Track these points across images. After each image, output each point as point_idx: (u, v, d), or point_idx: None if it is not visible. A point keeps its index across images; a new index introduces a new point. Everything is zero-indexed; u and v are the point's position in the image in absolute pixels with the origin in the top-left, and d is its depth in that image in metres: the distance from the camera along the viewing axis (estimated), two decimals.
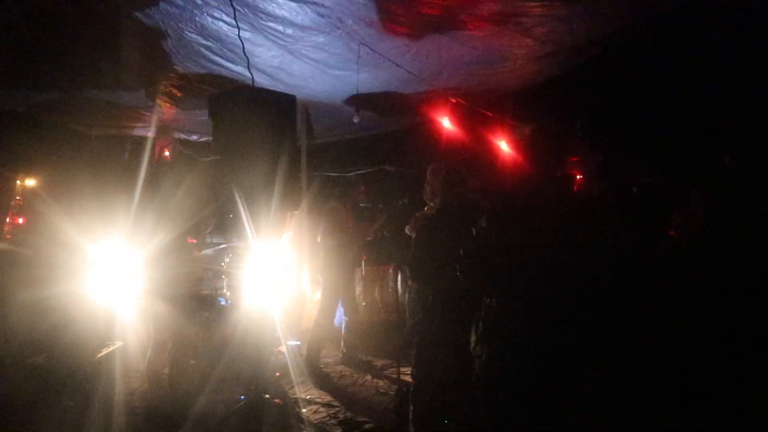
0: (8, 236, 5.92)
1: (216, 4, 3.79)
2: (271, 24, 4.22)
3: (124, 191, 5.67)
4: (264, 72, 5.19)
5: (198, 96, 5.68)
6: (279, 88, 5.50)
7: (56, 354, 5.05)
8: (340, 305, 6.81)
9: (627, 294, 2.93)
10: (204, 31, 4.31)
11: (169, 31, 4.30)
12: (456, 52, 4.93)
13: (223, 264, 5.68)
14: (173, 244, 4.78)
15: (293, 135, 3.70)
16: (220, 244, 5.59)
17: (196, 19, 4.09)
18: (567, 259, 2.79)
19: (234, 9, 3.64)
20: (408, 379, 4.55)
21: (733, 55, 4.55)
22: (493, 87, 5.81)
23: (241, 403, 4.96)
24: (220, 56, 4.80)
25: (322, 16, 4.11)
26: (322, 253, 6.63)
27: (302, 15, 4.08)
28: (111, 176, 6.50)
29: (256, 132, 3.44)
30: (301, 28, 4.29)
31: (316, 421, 5.04)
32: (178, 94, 5.92)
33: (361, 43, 4.51)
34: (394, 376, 5.97)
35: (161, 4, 3.84)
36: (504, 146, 5.24)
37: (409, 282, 4.14)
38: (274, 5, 3.92)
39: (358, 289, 8.18)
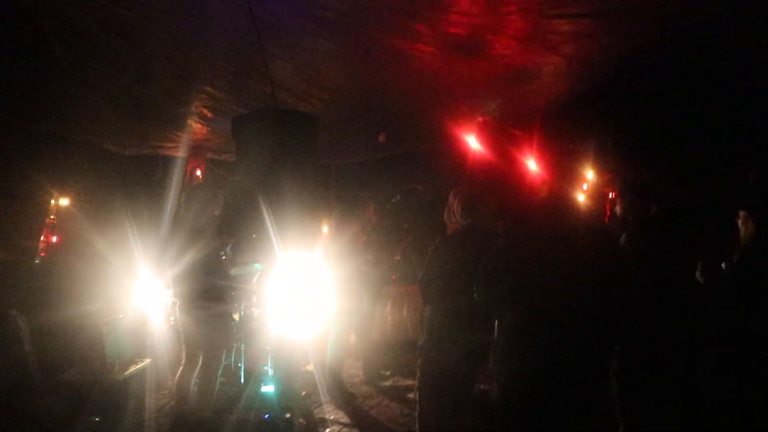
0: (42, 254, 6.06)
1: (244, 25, 3.83)
2: (297, 42, 4.27)
3: (156, 210, 5.77)
4: (291, 91, 5.25)
5: (228, 116, 5.75)
6: (308, 107, 5.58)
7: (86, 370, 5.11)
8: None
9: (646, 315, 2.85)
10: (233, 52, 4.37)
11: (199, 51, 4.37)
12: (483, 70, 4.91)
13: (252, 282, 5.71)
14: (204, 262, 4.82)
15: (316, 154, 3.71)
16: (251, 262, 5.62)
17: (226, 40, 4.15)
18: (584, 279, 2.72)
19: (258, 30, 3.67)
20: None
21: None
22: (522, 105, 5.76)
23: (265, 423, 4.95)
24: (248, 77, 4.86)
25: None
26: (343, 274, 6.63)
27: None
28: (143, 195, 6.61)
29: (278, 152, 3.46)
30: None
31: None
32: (209, 115, 6.02)
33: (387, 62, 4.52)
34: None
35: (189, 24, 3.90)
36: (531, 165, 5.18)
37: (421, 303, 4.14)
38: (299, 26, 3.97)
39: (387, 308, 8.16)
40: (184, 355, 4.98)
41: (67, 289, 5.46)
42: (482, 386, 4.51)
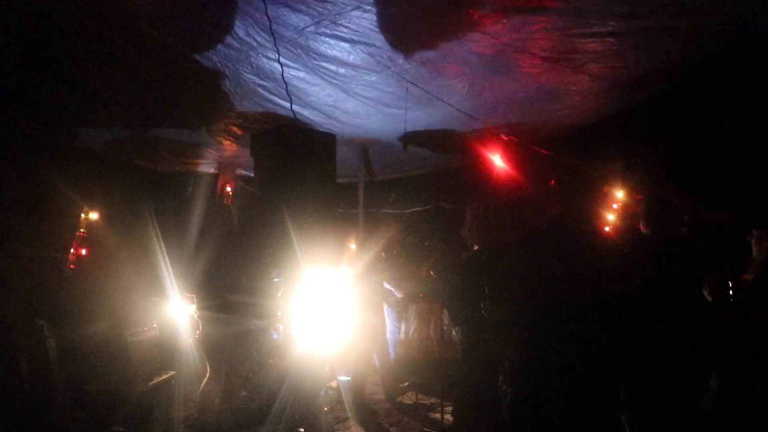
0: (72, 266, 6.21)
1: (270, 46, 3.91)
2: (324, 64, 4.33)
3: (185, 225, 5.86)
4: (319, 110, 5.31)
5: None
6: (335, 126, 5.63)
7: (111, 381, 5.20)
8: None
9: (658, 341, 2.79)
10: (260, 72, 4.45)
11: (227, 71, 4.46)
12: (509, 89, 4.91)
13: (275, 297, 5.74)
14: (231, 277, 4.88)
15: (333, 172, 3.74)
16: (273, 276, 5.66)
17: (252, 60, 4.23)
18: (593, 305, 2.68)
19: (277, 49, 3.74)
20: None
21: None
22: (548, 125, 5.73)
23: None
24: (276, 95, 4.94)
25: (373, 55, 4.18)
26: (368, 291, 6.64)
27: (354, 55, 4.16)
28: (173, 210, 6.73)
29: (295, 169, 3.49)
30: (353, 67, 4.38)
31: None
32: (239, 132, 6.12)
33: (410, 82, 4.55)
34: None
35: (219, 46, 3.99)
36: (550, 185, 5.13)
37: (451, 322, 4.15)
38: (326, 46, 4.02)
39: (413, 326, 8.14)
40: (208, 368, 5.03)
41: (95, 302, 5.58)
42: None
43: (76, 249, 6.25)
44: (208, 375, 5.08)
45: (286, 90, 4.05)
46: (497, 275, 2.94)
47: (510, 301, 2.86)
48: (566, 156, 5.48)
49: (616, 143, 5.75)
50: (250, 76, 4.53)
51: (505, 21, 3.74)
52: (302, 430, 5.15)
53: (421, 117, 5.46)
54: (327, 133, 4.07)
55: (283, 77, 4.02)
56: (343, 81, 4.64)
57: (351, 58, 4.22)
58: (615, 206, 6.02)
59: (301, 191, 3.45)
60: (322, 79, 4.59)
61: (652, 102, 5.04)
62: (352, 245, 7.41)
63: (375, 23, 3.68)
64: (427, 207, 8.57)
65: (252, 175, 8.35)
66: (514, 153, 5.70)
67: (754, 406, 2.96)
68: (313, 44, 4.01)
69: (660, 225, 3.64)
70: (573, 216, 2.82)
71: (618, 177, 5.95)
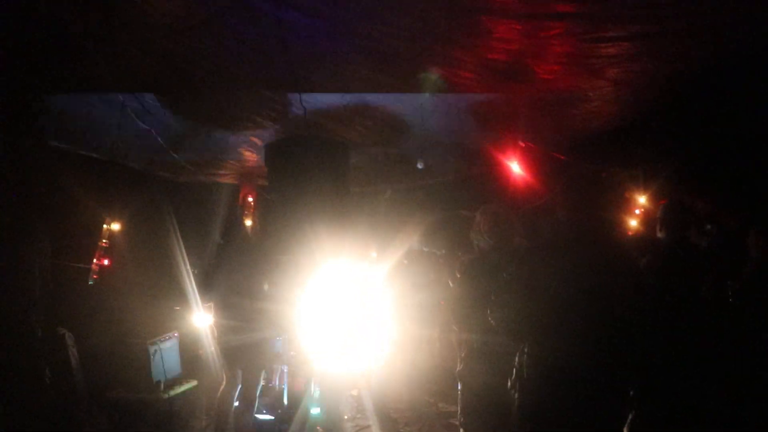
0: (95, 276, 6.31)
1: (281, 56, 3.93)
2: (335, 70, 4.34)
3: (206, 235, 5.94)
4: (338, 120, 5.33)
5: None
6: (353, 136, 5.65)
7: (133, 389, 5.26)
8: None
9: (661, 344, 2.73)
10: (278, 81, 4.49)
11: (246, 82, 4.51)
12: (526, 95, 4.88)
13: (295, 305, 5.76)
14: (245, 284, 4.92)
15: (347, 180, 3.76)
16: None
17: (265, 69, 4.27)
18: (605, 307, 2.63)
19: (290, 60, 3.76)
20: None
21: None
22: (567, 131, 5.68)
23: None
24: (293, 106, 4.98)
25: None
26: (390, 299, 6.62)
27: None
28: (194, 221, 6.82)
29: (308, 178, 3.52)
30: None
31: None
32: (259, 143, 6.18)
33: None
34: None
35: (235, 56, 4.03)
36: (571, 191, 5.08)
37: (454, 327, 4.11)
38: (336, 54, 4.04)
39: (436, 333, 8.10)
40: (224, 375, 5.08)
41: (117, 310, 5.66)
42: None
43: (98, 259, 6.36)
44: (224, 383, 5.12)
45: (300, 100, 4.08)
46: (505, 280, 2.90)
47: (519, 308, 2.82)
48: (586, 162, 5.42)
49: (637, 148, 5.68)
50: (264, 85, 4.56)
51: (518, 27, 3.72)
52: None
53: (438, 125, 5.46)
54: (340, 141, 4.10)
55: (297, 87, 4.05)
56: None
57: None
58: (637, 212, 5.94)
59: (314, 199, 3.48)
60: (339, 87, 4.62)
61: (675, 105, 4.96)
62: (374, 253, 7.43)
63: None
64: (447, 214, 8.56)
65: None
66: (532, 159, 5.66)
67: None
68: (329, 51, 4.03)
69: (679, 231, 3.58)
70: (588, 222, 2.78)
71: (640, 183, 5.88)
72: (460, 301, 3.93)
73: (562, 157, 5.57)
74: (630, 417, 3.03)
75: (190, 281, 5.54)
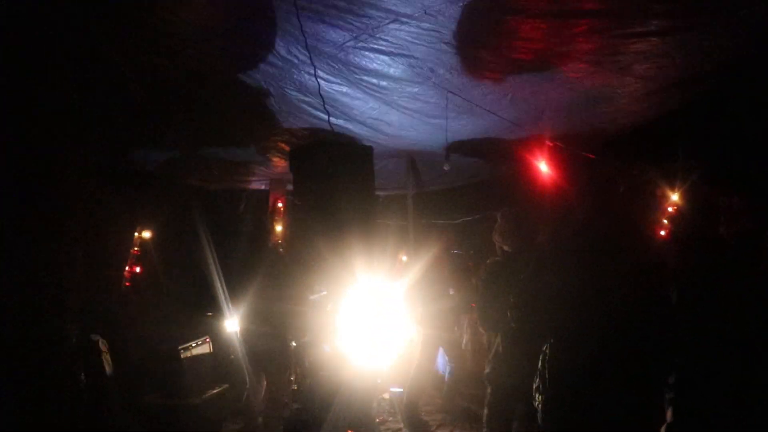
0: (127, 283, 6.44)
1: (311, 62, 3.97)
2: (365, 77, 4.35)
3: (236, 241, 5.99)
4: (364, 124, 5.34)
5: None
6: (380, 138, 5.66)
7: (165, 394, 5.34)
8: (441, 352, 6.71)
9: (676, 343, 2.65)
10: (303, 88, 4.51)
11: (271, 89, 4.55)
12: (553, 95, 4.82)
13: (323, 309, 5.77)
14: (276, 291, 4.96)
15: (371, 184, 3.76)
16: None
17: (295, 77, 4.30)
18: (623, 314, 2.58)
19: (313, 65, 3.79)
20: None
21: None
22: (596, 129, 5.60)
23: None
24: (320, 110, 5.00)
25: (413, 67, 4.18)
26: (424, 301, 6.59)
27: (394, 67, 4.18)
28: (225, 228, 6.90)
29: (333, 181, 3.53)
30: (395, 79, 4.39)
31: None
32: (287, 149, 6.22)
33: (450, 92, 4.53)
34: None
35: (261, 65, 4.08)
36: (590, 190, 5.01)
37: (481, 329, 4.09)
38: (366, 60, 4.05)
39: (466, 337, 8.04)
40: (251, 380, 5.13)
41: (149, 317, 5.77)
42: None
43: (130, 266, 6.49)
44: (248, 387, 5.17)
45: (323, 104, 4.11)
46: (526, 282, 2.87)
47: (538, 310, 2.79)
48: (616, 161, 5.34)
49: (668, 145, 5.57)
50: (294, 93, 4.60)
51: (544, 26, 3.69)
52: None
53: (465, 126, 5.43)
54: (364, 145, 4.10)
55: (320, 92, 4.07)
56: (386, 93, 4.65)
57: (391, 71, 4.24)
58: (670, 209, 5.82)
59: (339, 203, 3.49)
60: (365, 92, 4.63)
61: (707, 100, 4.85)
62: (404, 257, 7.42)
63: (413, 35, 3.69)
64: (477, 216, 8.51)
65: None
66: (561, 159, 5.60)
67: None
68: (353, 59, 4.04)
69: (708, 229, 3.48)
70: (613, 224, 2.74)
71: (671, 181, 5.76)
72: (485, 303, 3.92)
73: (592, 156, 5.49)
74: (668, 417, 2.95)
75: (222, 287, 5.61)
